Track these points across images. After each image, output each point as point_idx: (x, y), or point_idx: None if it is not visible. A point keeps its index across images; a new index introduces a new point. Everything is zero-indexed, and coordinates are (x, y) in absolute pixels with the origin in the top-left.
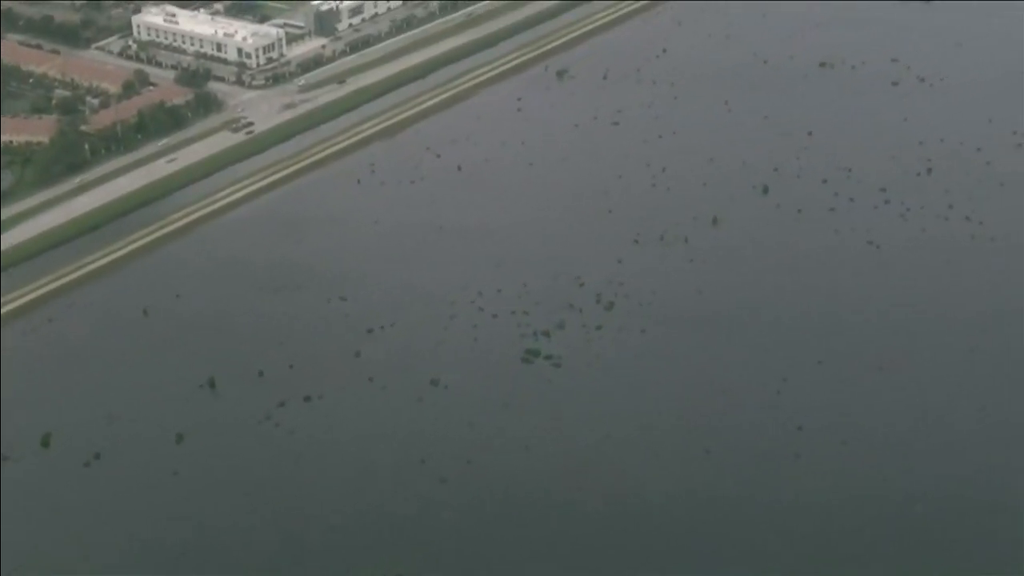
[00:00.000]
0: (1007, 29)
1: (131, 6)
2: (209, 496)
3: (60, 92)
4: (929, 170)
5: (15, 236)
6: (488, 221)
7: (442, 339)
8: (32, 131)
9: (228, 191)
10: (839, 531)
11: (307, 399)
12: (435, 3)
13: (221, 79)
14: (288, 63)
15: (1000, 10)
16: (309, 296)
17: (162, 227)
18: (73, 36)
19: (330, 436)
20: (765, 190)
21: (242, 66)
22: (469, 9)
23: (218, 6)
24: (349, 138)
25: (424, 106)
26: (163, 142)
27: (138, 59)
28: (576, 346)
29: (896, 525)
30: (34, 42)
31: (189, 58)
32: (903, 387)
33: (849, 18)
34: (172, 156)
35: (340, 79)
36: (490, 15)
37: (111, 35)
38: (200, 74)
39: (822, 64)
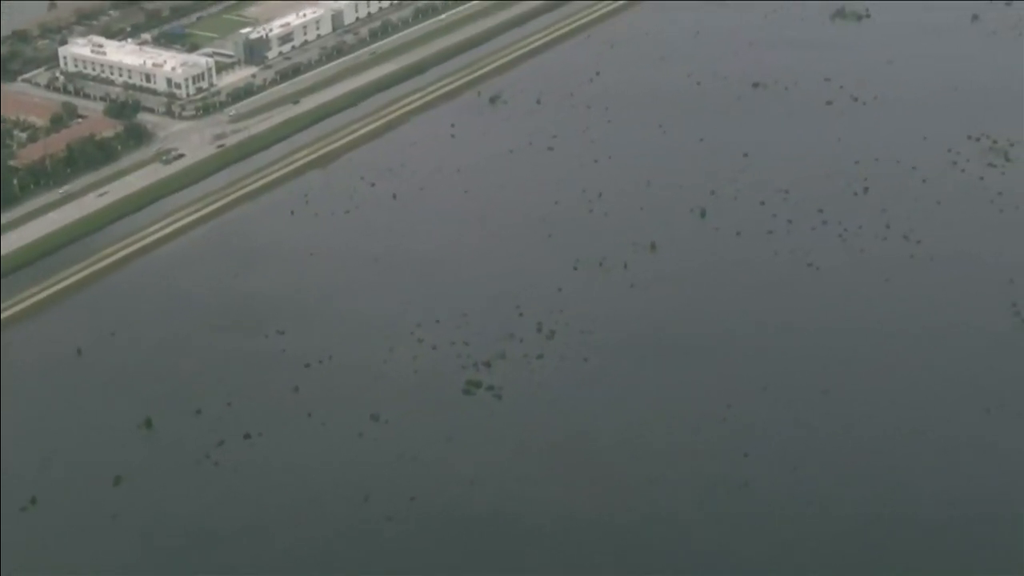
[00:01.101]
0: (937, 47)
1: (57, 37)
2: (150, 539)
3: None
4: (865, 189)
5: None
6: (425, 250)
7: (382, 372)
8: None
9: (161, 225)
10: (790, 559)
11: (247, 437)
12: (365, 30)
13: (151, 110)
14: (218, 93)
15: (930, 28)
16: (246, 331)
17: (95, 263)
18: None
19: (271, 474)
20: (703, 213)
21: (172, 96)
22: (399, 35)
23: (146, 36)
24: (281, 168)
25: (357, 134)
26: (93, 176)
27: (66, 91)
28: (518, 376)
29: (849, 549)
30: None
31: (118, 89)
32: (848, 410)
33: (781, 38)
34: (103, 190)
35: (294, 99)
36: (420, 41)
37: (38, 67)
38: (129, 105)
39: (755, 85)
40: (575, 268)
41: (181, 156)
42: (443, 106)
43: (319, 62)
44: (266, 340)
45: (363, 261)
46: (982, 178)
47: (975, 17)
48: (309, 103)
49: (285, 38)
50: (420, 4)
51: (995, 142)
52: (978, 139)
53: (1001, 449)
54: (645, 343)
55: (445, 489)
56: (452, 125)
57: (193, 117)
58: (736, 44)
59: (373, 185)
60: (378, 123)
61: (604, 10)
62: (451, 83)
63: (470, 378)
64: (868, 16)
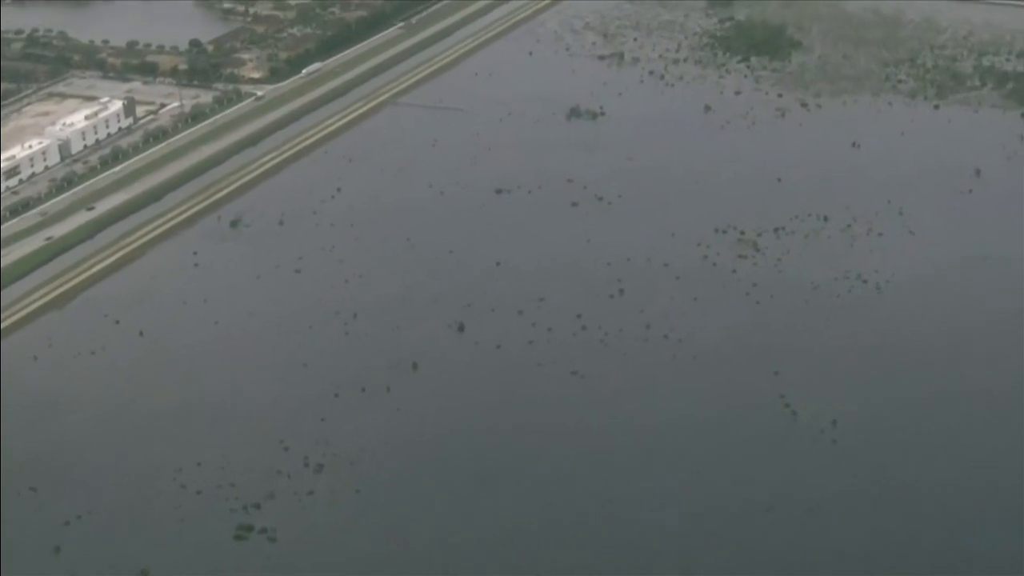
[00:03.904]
0: (674, 141)
1: None
2: None
3: None
4: (621, 291)
5: None
6: (179, 390)
7: (146, 524)
8: None
9: None
10: None
11: None
12: (95, 157)
13: None
14: None
15: (665, 122)
16: None
17: None
18: None
19: None
20: (461, 328)
21: None
22: (131, 162)
23: None
24: (17, 311)
25: (95, 269)
26: None
27: None
28: (290, 516)
29: None
30: None
31: None
32: (631, 521)
33: (518, 141)
34: None
35: (23, 236)
36: (153, 167)
37: None
38: None
39: (498, 191)
40: (336, 396)
41: None
42: (183, 233)
43: (49, 195)
44: (19, 498)
45: (115, 406)
46: (735, 271)
47: (707, 108)
48: (39, 239)
49: (11, 172)
50: (150, 128)
51: (743, 233)
52: (726, 231)
53: (790, 547)
54: (417, 471)
55: None
56: (194, 253)
57: None
58: (474, 150)
59: (118, 323)
60: (117, 256)
61: (337, 125)
62: (189, 209)
63: (241, 522)
64: (603, 114)
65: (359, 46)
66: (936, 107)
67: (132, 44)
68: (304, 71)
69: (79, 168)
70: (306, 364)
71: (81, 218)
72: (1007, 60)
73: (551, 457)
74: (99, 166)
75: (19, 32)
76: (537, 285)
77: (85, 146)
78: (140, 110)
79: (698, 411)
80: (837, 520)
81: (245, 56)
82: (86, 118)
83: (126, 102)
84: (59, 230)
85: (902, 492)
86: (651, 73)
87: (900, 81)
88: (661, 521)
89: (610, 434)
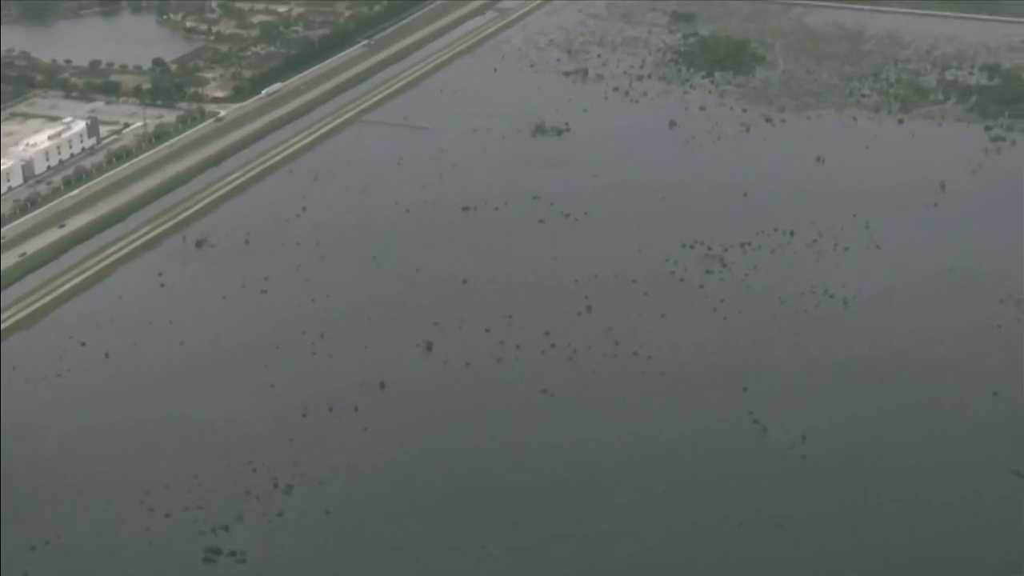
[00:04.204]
0: (639, 157)
1: None
2: None
3: None
4: (589, 308)
5: None
6: (144, 412)
7: (114, 548)
8: None
9: None
10: None
11: None
12: (59, 178)
13: None
14: None
15: (629, 138)
16: None
17: None
18: None
19: None
20: (429, 347)
21: None
22: (95, 182)
23: None
24: None
25: (60, 290)
26: None
27: None
28: (260, 537)
29: None
30: None
31: None
32: (605, 540)
33: (484, 158)
34: None
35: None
36: (117, 187)
37: None
38: None
39: (465, 208)
40: (304, 416)
41: None
42: (148, 254)
43: (13, 216)
44: None
45: (81, 429)
46: (702, 286)
47: (672, 124)
48: (7, 260)
49: None
50: (113, 148)
51: (710, 248)
52: (693, 247)
53: (760, 563)
54: (386, 491)
55: None
56: (160, 274)
57: None
58: (440, 167)
59: (84, 344)
60: (82, 277)
61: (302, 143)
62: (154, 229)
63: (209, 544)
64: (568, 130)
65: (323, 64)
66: (900, 121)
67: (95, 64)
68: (264, 91)
69: (43, 189)
70: (273, 385)
71: (47, 238)
72: (970, 74)
73: (521, 475)
74: (63, 187)
75: None
76: (505, 303)
77: (48, 166)
78: (103, 130)
79: (668, 428)
80: (807, 536)
81: (209, 75)
82: (49, 138)
83: (89, 122)
84: (27, 248)
85: (872, 507)
86: (616, 89)
87: (864, 96)
88: (632, 538)
89: (580, 452)
